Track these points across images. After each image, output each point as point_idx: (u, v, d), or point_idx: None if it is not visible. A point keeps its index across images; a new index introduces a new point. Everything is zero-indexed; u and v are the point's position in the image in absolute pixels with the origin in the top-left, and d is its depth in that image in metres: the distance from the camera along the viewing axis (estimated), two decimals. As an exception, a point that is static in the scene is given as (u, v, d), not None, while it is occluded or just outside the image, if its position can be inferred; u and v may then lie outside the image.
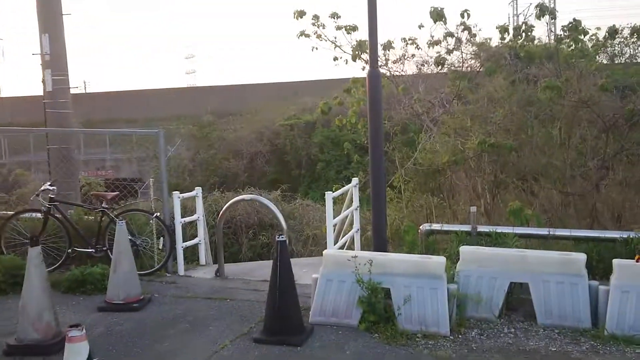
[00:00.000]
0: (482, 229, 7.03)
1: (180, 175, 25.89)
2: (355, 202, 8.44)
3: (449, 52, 9.83)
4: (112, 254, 6.38)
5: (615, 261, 5.46)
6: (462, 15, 9.59)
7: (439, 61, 9.60)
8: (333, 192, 7.44)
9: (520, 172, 8.76)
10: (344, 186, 15.09)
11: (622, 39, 12.02)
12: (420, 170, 9.37)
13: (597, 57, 10.97)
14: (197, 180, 25.24)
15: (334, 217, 7.32)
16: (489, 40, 10.23)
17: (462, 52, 9.64)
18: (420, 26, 10.67)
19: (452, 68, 11.04)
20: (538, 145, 8.90)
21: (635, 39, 11.41)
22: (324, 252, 5.98)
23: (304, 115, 28.84)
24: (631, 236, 6.42)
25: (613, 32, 9.72)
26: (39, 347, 5.01)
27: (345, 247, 8.10)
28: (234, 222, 13.70)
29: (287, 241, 5.36)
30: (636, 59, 13.70)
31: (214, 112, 33.92)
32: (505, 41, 10.46)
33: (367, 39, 7.04)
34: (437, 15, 9.18)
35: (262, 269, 8.01)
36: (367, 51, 10.94)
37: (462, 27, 9.66)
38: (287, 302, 5.26)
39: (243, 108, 31.06)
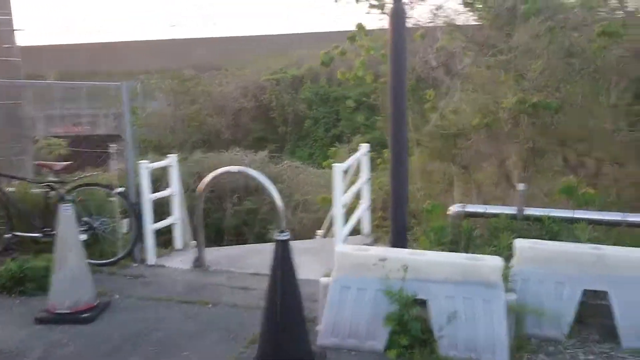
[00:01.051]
0: (531, 211, 5.56)
1: (161, 133, 24.32)
2: (366, 174, 6.95)
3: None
4: (55, 247, 4.82)
5: None
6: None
7: (470, 1, 7.95)
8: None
9: (562, 138, 7.27)
10: (333, 145, 13.45)
11: None
12: (440, 134, 7.83)
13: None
14: (179, 137, 23.70)
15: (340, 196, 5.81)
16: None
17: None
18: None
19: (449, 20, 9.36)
20: (583, 105, 7.38)
21: None
22: (336, 249, 4.49)
23: (291, 69, 27.29)
24: None
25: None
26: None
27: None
28: (218, 186, 12.34)
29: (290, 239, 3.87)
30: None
31: (198, 66, 31.96)
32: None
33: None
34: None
35: (251, 257, 6.56)
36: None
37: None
38: (291, 326, 3.80)
39: (229, 62, 29.24)
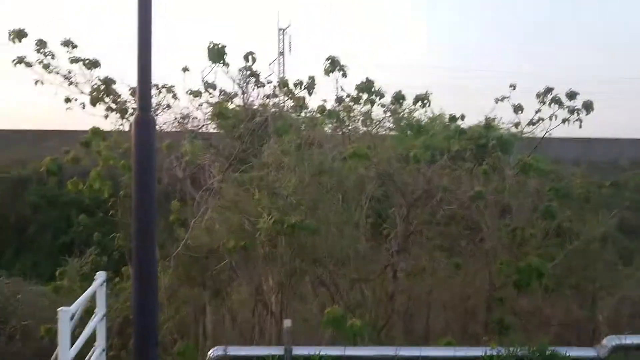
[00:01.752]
0: (299, 350, 4.94)
1: None
2: (102, 310, 5.68)
3: (229, 99, 7.81)
4: None
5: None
6: (246, 59, 7.70)
7: (221, 112, 7.44)
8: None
9: (318, 258, 7.00)
10: (62, 255, 11.79)
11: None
12: (189, 255, 6.99)
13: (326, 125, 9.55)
14: None
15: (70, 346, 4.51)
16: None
17: (246, 103, 7.71)
18: (185, 69, 8.49)
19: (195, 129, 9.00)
20: (335, 224, 7.28)
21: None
22: None
23: (16, 168, 24.45)
24: (490, 354, 4.98)
25: (400, 97, 8.82)
26: None
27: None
28: None
29: None
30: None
31: None
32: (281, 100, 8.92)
33: (137, 74, 4.59)
34: (218, 54, 7.12)
35: None
36: (113, 94, 8.46)
37: (248, 72, 7.75)
38: None
39: None
